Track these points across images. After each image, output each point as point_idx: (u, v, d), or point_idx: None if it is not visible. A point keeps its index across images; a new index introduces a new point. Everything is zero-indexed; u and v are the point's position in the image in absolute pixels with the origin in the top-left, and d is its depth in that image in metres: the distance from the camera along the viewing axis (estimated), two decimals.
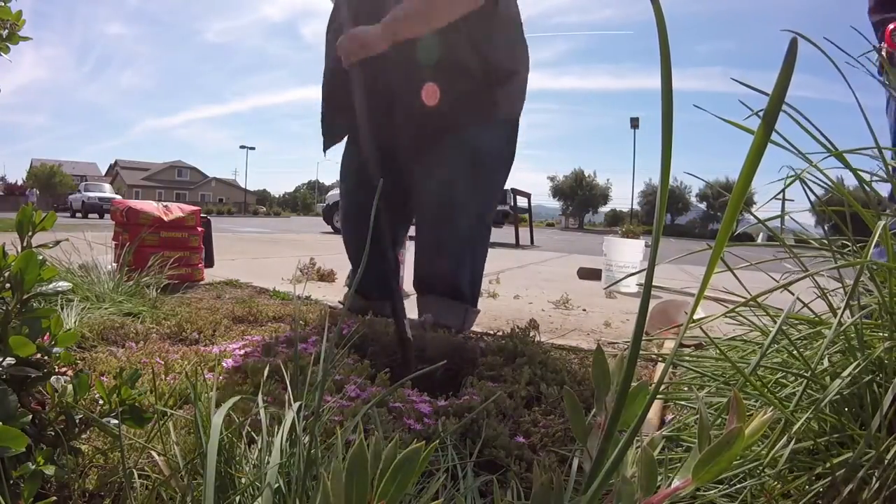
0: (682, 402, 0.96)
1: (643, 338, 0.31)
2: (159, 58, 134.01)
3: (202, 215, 3.06)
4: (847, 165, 0.78)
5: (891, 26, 1.57)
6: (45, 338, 0.64)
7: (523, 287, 3.42)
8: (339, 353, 1.17)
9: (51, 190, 39.89)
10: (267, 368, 1.06)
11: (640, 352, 0.32)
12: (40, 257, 0.62)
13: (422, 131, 1.69)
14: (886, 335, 0.74)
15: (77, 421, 0.64)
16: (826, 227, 0.96)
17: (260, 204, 54.96)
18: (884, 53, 1.59)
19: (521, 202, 12.06)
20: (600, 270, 4.05)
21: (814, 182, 0.83)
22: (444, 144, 1.69)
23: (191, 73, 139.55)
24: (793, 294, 0.80)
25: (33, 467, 0.54)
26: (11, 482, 0.54)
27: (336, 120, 1.88)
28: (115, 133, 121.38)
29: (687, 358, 0.96)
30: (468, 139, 1.68)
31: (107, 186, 25.78)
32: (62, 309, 1.53)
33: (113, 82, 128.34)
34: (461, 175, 1.69)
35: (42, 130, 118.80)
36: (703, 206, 47.38)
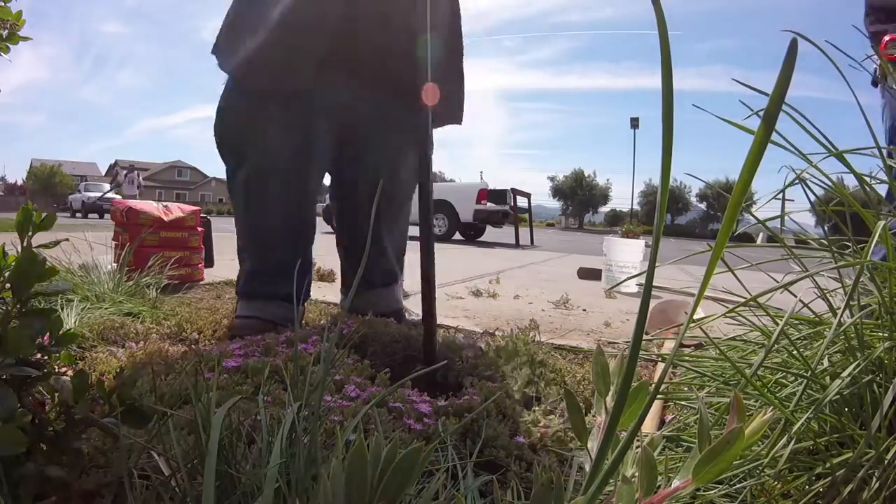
0: (682, 402, 0.96)
1: (643, 338, 0.31)
2: (156, 57, 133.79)
3: (202, 215, 3.06)
4: (847, 166, 0.78)
5: (886, 38, 1.58)
6: (45, 338, 0.64)
7: (523, 287, 3.42)
8: (338, 354, 1.17)
9: (51, 190, 39.83)
10: (267, 368, 1.06)
11: (640, 352, 0.32)
12: (40, 257, 0.62)
13: None
14: (886, 335, 0.74)
15: (77, 421, 0.64)
16: (826, 227, 0.96)
17: None
18: (879, 66, 1.61)
19: (521, 202, 12.06)
20: (600, 270, 4.05)
21: (814, 182, 0.83)
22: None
23: (188, 71, 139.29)
24: (794, 295, 0.80)
25: (33, 467, 0.54)
26: (11, 482, 0.54)
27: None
28: (114, 133, 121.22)
29: (687, 358, 0.96)
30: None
31: (107, 187, 25.77)
32: (62, 309, 1.53)
33: (111, 81, 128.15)
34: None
35: (41, 130, 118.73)
36: (703, 206, 47.38)
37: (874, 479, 0.61)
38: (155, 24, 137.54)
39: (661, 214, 0.30)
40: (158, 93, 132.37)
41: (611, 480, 0.35)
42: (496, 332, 1.72)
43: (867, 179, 0.81)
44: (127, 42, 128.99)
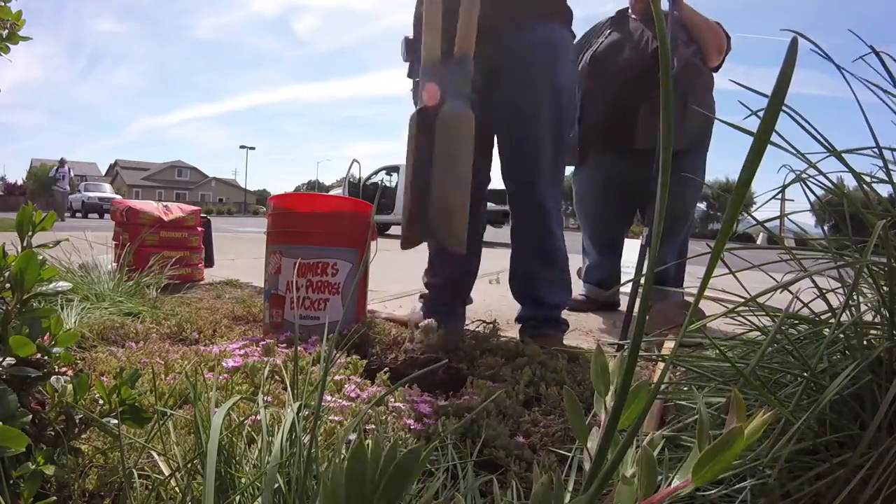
0: (683, 402, 0.96)
1: (643, 338, 0.31)
2: (152, 55, 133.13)
3: (202, 215, 3.05)
4: (847, 166, 0.78)
5: None
6: (45, 338, 0.64)
7: None
8: (338, 354, 1.17)
9: (51, 190, 39.72)
10: (267, 368, 1.06)
11: (640, 352, 0.32)
12: (40, 257, 0.62)
13: None
14: (886, 335, 0.74)
15: (77, 421, 0.64)
16: (826, 228, 0.96)
17: (260, 204, 54.95)
18: None
19: None
20: None
21: (813, 182, 0.83)
22: None
23: (185, 70, 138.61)
24: (793, 294, 0.80)
25: (33, 467, 0.54)
26: (11, 482, 0.54)
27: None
28: (112, 132, 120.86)
29: (686, 358, 0.96)
30: None
31: (107, 186, 25.71)
32: (62, 309, 1.53)
33: (107, 80, 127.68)
34: None
35: (39, 130, 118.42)
36: (702, 205, 47.30)
37: (874, 479, 0.61)
38: (148, 21, 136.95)
39: (661, 214, 0.30)
40: (155, 92, 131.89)
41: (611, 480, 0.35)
42: (497, 332, 1.71)
43: (867, 179, 0.81)
44: (120, 40, 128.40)
